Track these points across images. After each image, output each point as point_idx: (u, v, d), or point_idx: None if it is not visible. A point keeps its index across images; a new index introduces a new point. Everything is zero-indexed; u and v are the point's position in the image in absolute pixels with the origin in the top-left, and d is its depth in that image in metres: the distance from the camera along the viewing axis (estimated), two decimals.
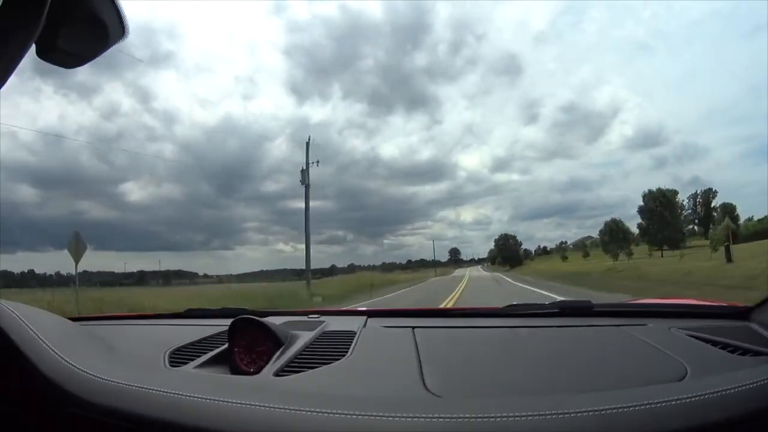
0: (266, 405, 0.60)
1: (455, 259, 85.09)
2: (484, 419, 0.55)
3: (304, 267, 19.42)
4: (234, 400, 0.62)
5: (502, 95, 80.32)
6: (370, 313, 1.30)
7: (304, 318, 1.27)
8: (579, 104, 67.77)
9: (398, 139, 76.62)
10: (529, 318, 1.23)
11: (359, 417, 0.57)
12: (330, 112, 69.30)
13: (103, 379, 0.69)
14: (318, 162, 19.48)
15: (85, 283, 18.42)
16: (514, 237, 60.07)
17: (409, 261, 71.77)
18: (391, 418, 0.56)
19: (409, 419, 0.56)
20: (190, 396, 0.64)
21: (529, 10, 71.31)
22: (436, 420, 0.55)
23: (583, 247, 52.26)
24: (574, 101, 69.21)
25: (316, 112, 77.07)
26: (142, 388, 0.67)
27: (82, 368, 0.71)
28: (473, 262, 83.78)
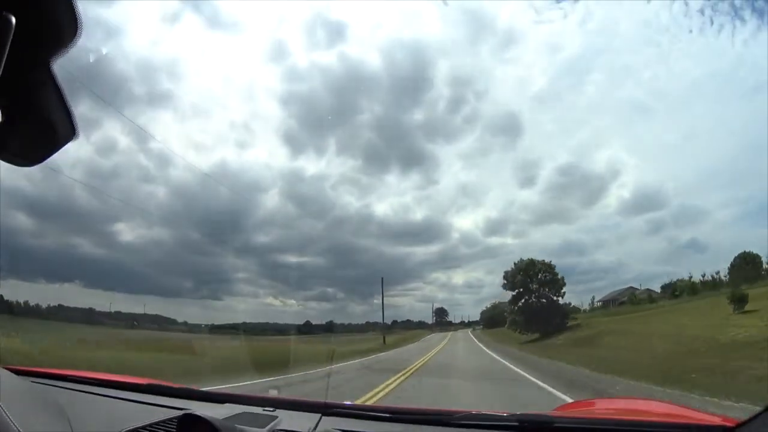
0: None
1: (441, 321, 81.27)
2: None
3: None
4: None
5: (499, 156, 79.67)
6: (326, 409, 1.28)
7: (258, 410, 1.26)
8: (577, 166, 66.84)
9: (392, 198, 72.70)
10: (486, 431, 1.16)
11: None
12: (324, 166, 64.31)
13: None
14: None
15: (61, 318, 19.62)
16: (550, 267, 31.36)
17: (395, 321, 67.96)
18: None
19: None
20: None
21: (530, 68, 74.58)
22: None
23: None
24: (572, 163, 67.98)
25: (311, 164, 71.20)
26: None
27: None
28: (462, 325, 79.34)
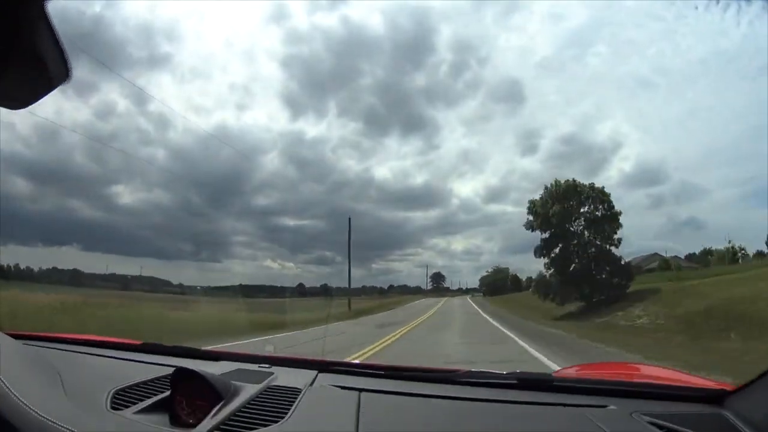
0: None
1: (437, 287, 69.91)
2: None
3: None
4: None
5: (500, 123, 78.30)
6: (322, 366, 1.27)
7: (254, 366, 1.26)
8: (579, 137, 68.47)
9: (392, 162, 75.96)
10: (485, 388, 1.14)
11: None
12: (324, 129, 67.34)
13: (40, 415, 0.72)
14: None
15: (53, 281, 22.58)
16: (603, 194, 18.09)
17: (391, 286, 62.12)
18: None
19: None
20: None
21: (534, 36, 69.35)
22: None
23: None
24: (575, 133, 67.74)
25: (311, 127, 74.19)
26: None
27: (26, 402, 0.73)
28: (460, 291, 70.21)
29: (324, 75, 65.20)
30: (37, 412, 0.72)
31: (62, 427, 0.70)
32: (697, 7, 36.64)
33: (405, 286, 62.72)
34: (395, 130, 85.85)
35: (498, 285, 49.08)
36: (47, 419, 0.71)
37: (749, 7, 32.86)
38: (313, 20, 67.19)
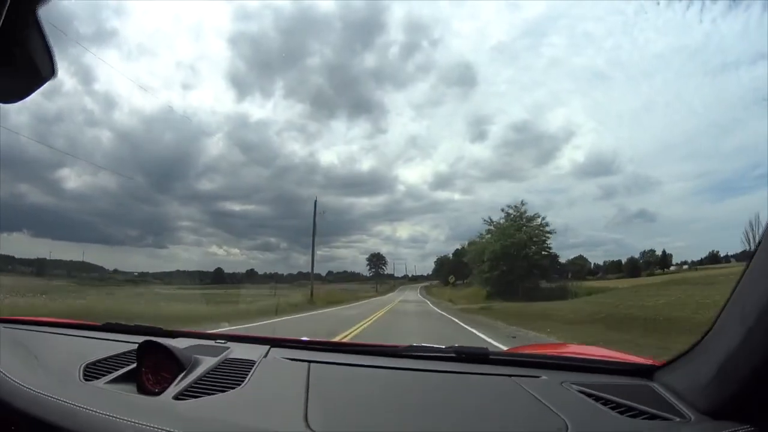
0: (164, 428, 0.69)
1: (378, 273, 57.73)
2: None
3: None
4: (139, 422, 0.70)
5: (451, 108, 77.86)
6: (274, 342, 1.34)
7: (211, 342, 1.32)
8: (531, 124, 68.28)
9: (339, 147, 72.61)
10: (427, 361, 1.22)
11: None
12: (270, 111, 66.11)
13: (24, 386, 0.78)
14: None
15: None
16: None
17: (330, 272, 55.80)
18: None
19: None
20: (101, 413, 0.72)
21: (488, 23, 70.65)
22: None
23: None
24: (527, 121, 67.39)
25: (256, 109, 72.72)
26: (58, 399, 0.76)
27: (7, 373, 0.81)
28: (407, 279, 59.90)
29: (272, 54, 62.88)
30: (21, 384, 0.79)
31: (43, 395, 0.77)
32: (659, 3, 35.80)
33: (345, 272, 57.92)
34: (342, 113, 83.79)
35: (462, 270, 38.49)
36: (30, 389, 0.79)
37: (713, 5, 31.89)
38: None
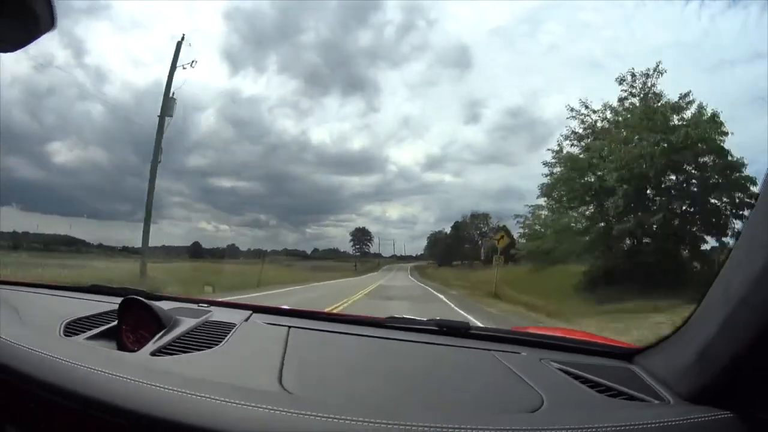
0: (136, 380, 0.68)
1: (362, 250, 49.46)
2: (323, 418, 0.59)
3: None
4: (113, 373, 0.70)
5: (446, 89, 75.91)
6: (256, 309, 1.35)
7: (194, 306, 1.34)
8: (525, 110, 68.65)
9: (331, 124, 72.36)
10: (407, 332, 1.22)
11: (207, 399, 0.63)
12: (263, 88, 63.89)
13: (9, 342, 0.79)
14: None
15: None
16: None
17: (315, 250, 51.87)
18: (232, 404, 0.61)
19: (251, 408, 0.61)
20: (77, 364, 0.72)
21: (488, 5, 70.53)
22: (277, 412, 0.60)
23: None
24: (521, 106, 67.43)
25: (249, 85, 71.18)
26: (37, 351, 0.76)
27: None
28: (395, 259, 50.81)
29: (267, 29, 61.94)
30: (1, 337, 0.80)
31: (22, 347, 0.77)
32: None
33: (333, 250, 52.88)
34: (336, 91, 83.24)
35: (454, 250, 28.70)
36: (8, 341, 0.79)
37: (713, 2, 33.48)
38: None
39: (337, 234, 79.16)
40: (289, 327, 1.14)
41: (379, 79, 74.72)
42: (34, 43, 0.60)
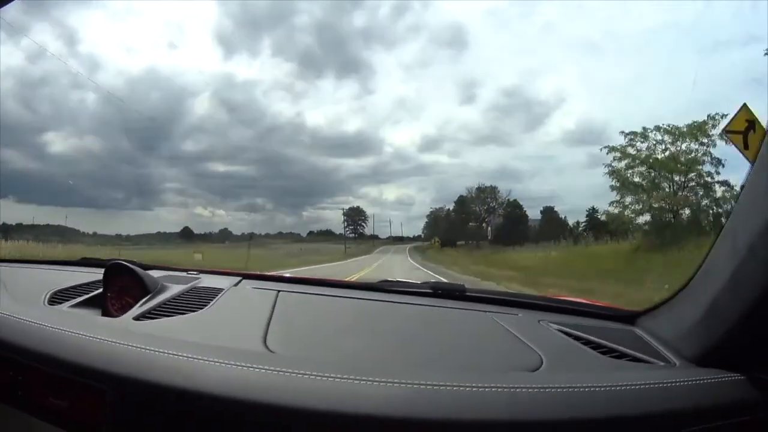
0: (116, 342, 0.66)
1: (356, 231, 41.12)
2: (307, 375, 0.57)
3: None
4: (90, 335, 0.69)
5: (441, 70, 74.22)
6: (246, 276, 1.33)
7: (183, 274, 1.32)
8: (521, 89, 65.34)
9: (326, 107, 69.95)
10: (401, 295, 1.19)
11: (185, 358, 0.61)
12: (257, 71, 63.72)
13: None
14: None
15: None
16: None
17: (311, 232, 54.39)
18: (211, 363, 0.60)
19: (231, 366, 0.59)
20: (56, 329, 0.72)
21: None
22: (258, 370, 0.59)
23: None
24: (517, 85, 66.01)
25: (243, 68, 71.27)
26: (16, 318, 0.77)
27: None
28: (391, 240, 49.12)
29: (260, 11, 60.43)
30: None
31: (9, 316, 0.77)
32: None
33: (329, 231, 54.39)
34: (330, 73, 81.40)
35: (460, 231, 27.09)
36: None
37: None
38: None
39: (333, 217, 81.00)
40: (279, 291, 1.11)
41: (374, 61, 73.60)
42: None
